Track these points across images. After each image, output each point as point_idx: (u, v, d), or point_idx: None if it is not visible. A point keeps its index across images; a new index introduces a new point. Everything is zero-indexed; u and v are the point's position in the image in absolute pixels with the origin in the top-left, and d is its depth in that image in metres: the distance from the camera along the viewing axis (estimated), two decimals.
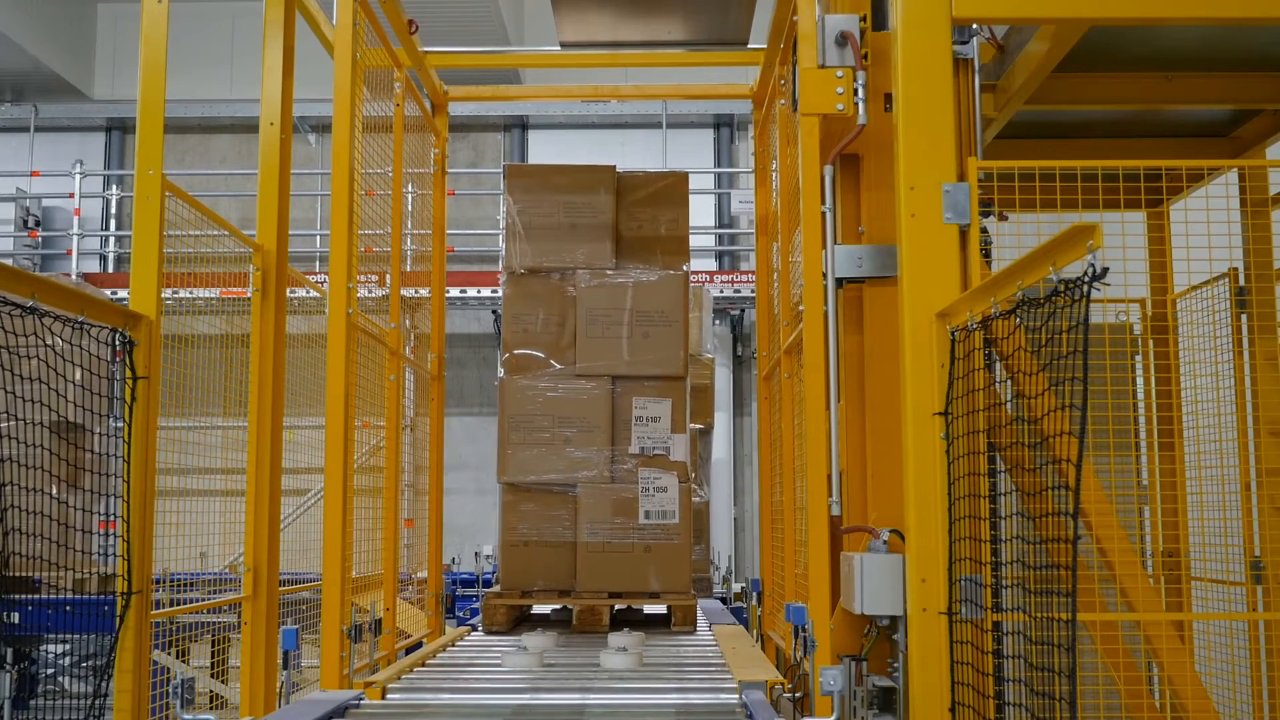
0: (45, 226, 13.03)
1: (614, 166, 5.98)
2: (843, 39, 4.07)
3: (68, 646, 9.27)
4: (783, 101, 5.31)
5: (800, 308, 4.44)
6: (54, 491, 3.31)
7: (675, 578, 5.62)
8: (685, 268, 5.86)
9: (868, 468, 4.14)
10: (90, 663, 9.20)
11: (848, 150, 4.20)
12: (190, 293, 5.13)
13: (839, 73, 4.07)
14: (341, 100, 4.61)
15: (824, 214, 4.29)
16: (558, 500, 5.69)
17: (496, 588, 5.81)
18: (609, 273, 5.81)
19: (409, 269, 6.91)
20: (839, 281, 4.20)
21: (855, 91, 4.06)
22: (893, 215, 3.71)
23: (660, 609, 6.17)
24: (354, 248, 4.54)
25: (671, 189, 6.09)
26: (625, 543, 5.59)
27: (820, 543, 4.25)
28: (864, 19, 4.15)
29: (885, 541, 3.79)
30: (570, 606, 5.71)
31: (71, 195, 12.94)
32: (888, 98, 3.96)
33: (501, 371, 5.78)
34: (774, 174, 6.06)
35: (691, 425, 6.63)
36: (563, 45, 6.11)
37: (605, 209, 5.92)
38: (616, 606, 5.86)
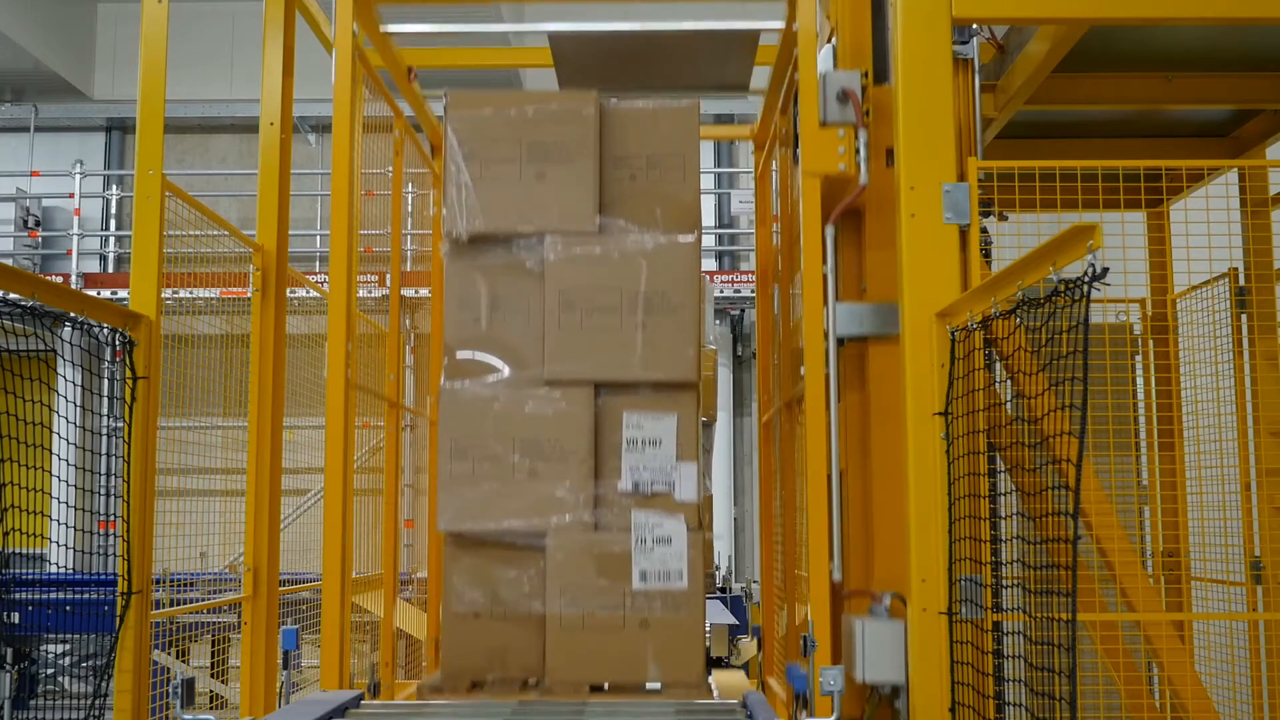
0: (45, 226, 13.03)
1: (595, 93, 4.33)
2: (844, 96, 3.99)
3: (68, 646, 9.28)
4: (783, 149, 5.20)
5: (802, 369, 4.22)
6: None
7: (683, 663, 3.98)
8: (696, 233, 4.24)
9: (871, 527, 4.03)
10: (90, 663, 9.20)
11: (849, 207, 4.13)
12: (190, 293, 5.13)
13: (840, 131, 4.00)
14: (340, 157, 4.53)
15: (825, 275, 4.16)
16: (519, 556, 4.09)
17: (435, 676, 4.17)
18: (590, 240, 4.18)
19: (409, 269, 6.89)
20: (840, 340, 4.07)
21: (857, 151, 3.99)
22: (894, 273, 3.65)
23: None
24: (354, 248, 4.54)
25: (676, 124, 4.36)
26: (613, 615, 4.01)
27: (821, 597, 4.04)
28: (865, 74, 4.08)
29: (887, 607, 3.68)
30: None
31: (71, 195, 12.94)
32: (889, 153, 3.88)
33: (443, 379, 4.21)
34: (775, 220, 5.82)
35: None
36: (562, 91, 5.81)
37: (585, 151, 4.24)
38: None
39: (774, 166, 5.60)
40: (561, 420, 4.12)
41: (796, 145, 4.20)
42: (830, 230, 4.14)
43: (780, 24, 4.80)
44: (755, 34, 4.94)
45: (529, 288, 4.19)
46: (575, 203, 4.19)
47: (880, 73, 4.11)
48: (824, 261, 4.12)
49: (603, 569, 4.03)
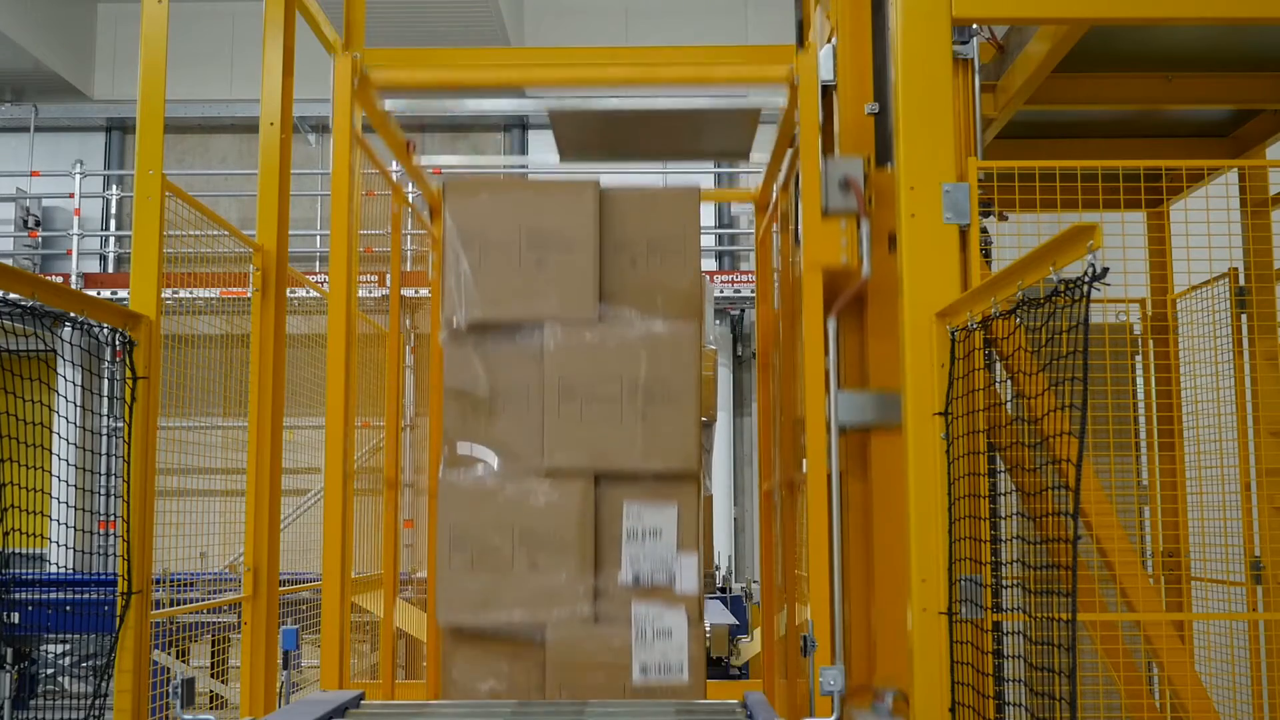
0: (45, 226, 13.03)
1: (597, 181, 4.35)
2: (846, 184, 3.93)
3: (68, 646, 9.28)
4: (784, 232, 5.05)
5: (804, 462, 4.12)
6: None
7: None
8: (698, 321, 4.23)
9: (873, 620, 3.95)
10: (90, 663, 9.20)
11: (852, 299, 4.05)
12: (190, 293, 5.13)
13: (843, 223, 3.95)
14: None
15: (827, 369, 4.05)
16: (519, 649, 4.02)
17: None
18: (590, 328, 4.17)
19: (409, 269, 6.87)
20: (842, 428, 3.99)
21: (860, 242, 3.94)
22: (897, 363, 3.58)
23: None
24: (354, 249, 4.54)
25: (677, 208, 4.34)
26: None
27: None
28: (868, 160, 4.02)
29: (890, 706, 3.61)
30: None
31: (71, 195, 12.93)
32: (891, 238, 3.80)
33: (442, 468, 4.18)
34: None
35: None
36: (562, 161, 5.52)
37: (585, 238, 4.24)
38: None
39: (774, 237, 5.45)
40: (561, 511, 4.08)
41: (798, 226, 4.09)
42: (832, 321, 4.07)
43: (783, 101, 4.62)
44: (756, 111, 4.86)
45: (529, 375, 4.18)
46: (575, 291, 4.19)
47: (883, 154, 4.02)
48: (825, 354, 4.03)
49: (603, 663, 3.98)
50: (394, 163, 5.73)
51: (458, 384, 4.21)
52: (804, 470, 4.08)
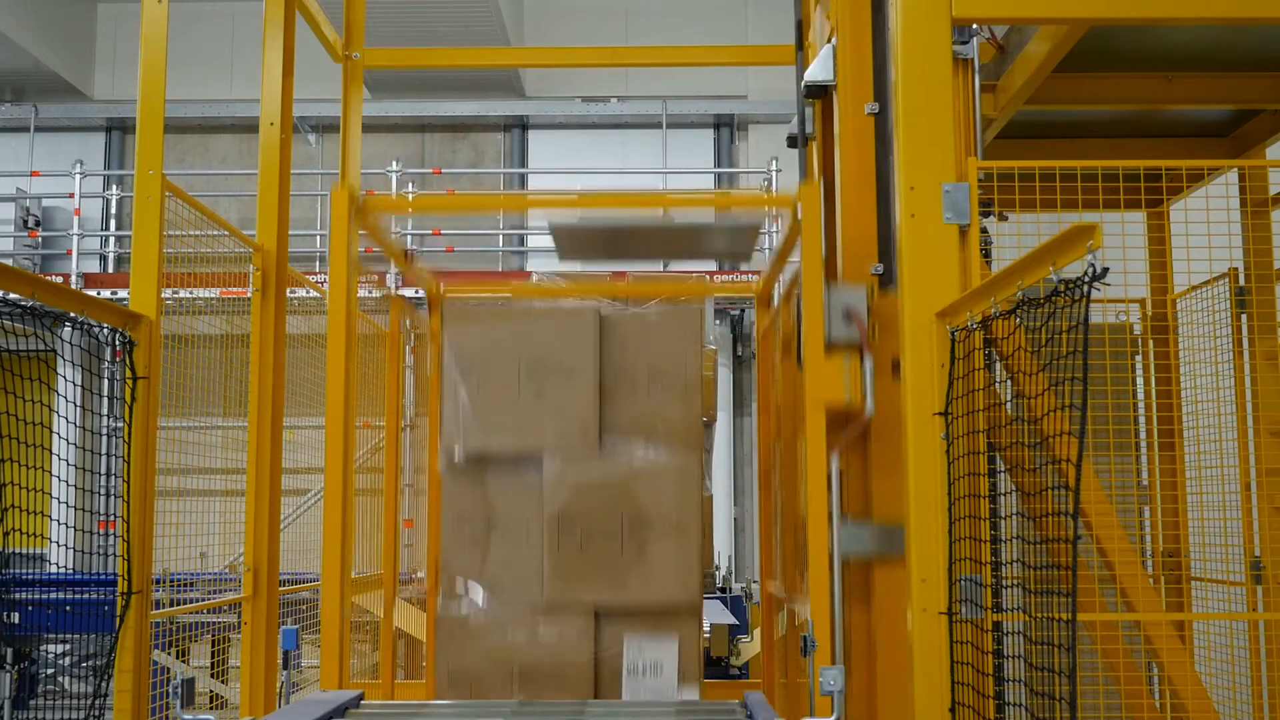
0: (45, 226, 13.03)
1: (596, 309, 4.23)
2: (849, 316, 3.84)
3: (68, 646, 9.28)
4: (786, 356, 4.79)
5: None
6: None
7: None
8: (700, 452, 4.12)
9: None
10: (90, 663, 9.20)
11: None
12: (190, 293, 5.12)
13: (846, 358, 3.85)
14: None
15: (830, 503, 3.91)
16: None
17: None
18: (590, 459, 4.07)
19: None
20: (845, 558, 3.89)
21: (863, 376, 3.85)
22: (902, 497, 3.52)
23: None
24: (354, 249, 4.53)
25: (679, 331, 4.20)
26: None
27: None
28: (870, 290, 3.94)
29: None
30: None
31: (71, 195, 12.93)
32: (895, 365, 3.69)
33: (440, 603, 4.08)
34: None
35: None
36: (561, 261, 5.36)
37: (585, 367, 4.13)
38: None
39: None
40: (560, 649, 4.01)
41: (799, 346, 3.98)
42: (835, 457, 3.94)
43: (786, 217, 4.52)
44: (758, 225, 4.80)
45: (528, 507, 4.09)
46: (575, 422, 4.11)
47: (887, 274, 3.96)
48: (829, 490, 3.90)
49: None
50: (392, 275, 5.59)
51: (456, 515, 4.16)
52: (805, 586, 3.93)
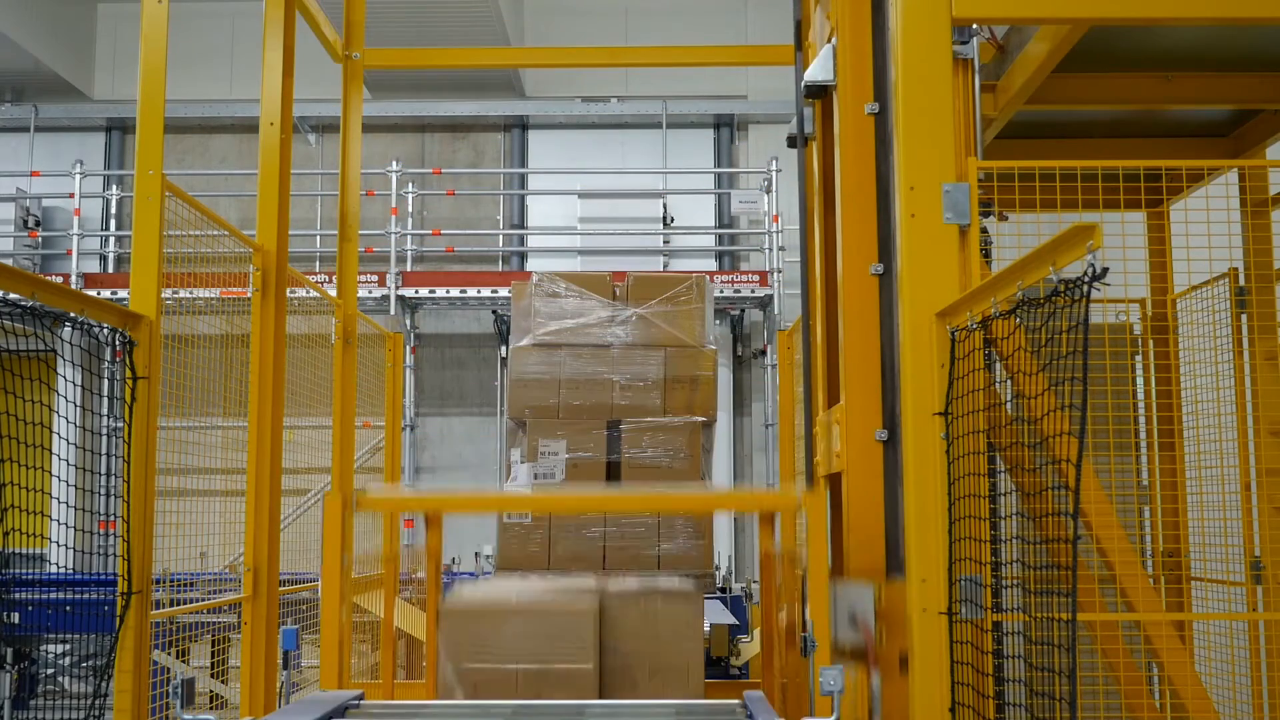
0: (45, 226, 13.02)
1: (596, 610, 4.25)
2: (854, 620, 3.69)
3: (68, 646, 9.28)
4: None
5: None
6: None
7: None
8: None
9: None
10: (90, 663, 9.20)
11: None
12: (190, 293, 5.12)
13: (852, 667, 3.68)
14: None
15: None
16: None
17: None
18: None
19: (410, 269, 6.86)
20: None
21: (869, 680, 3.68)
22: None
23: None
24: (354, 250, 4.54)
25: (680, 619, 4.31)
26: None
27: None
28: (879, 588, 3.76)
29: None
30: None
31: (71, 195, 12.93)
32: (903, 660, 3.57)
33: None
34: None
35: (695, 418, 5.75)
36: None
37: (584, 675, 4.15)
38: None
39: None
40: None
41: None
42: None
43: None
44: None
45: None
46: None
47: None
48: None
49: None
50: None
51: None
52: None
